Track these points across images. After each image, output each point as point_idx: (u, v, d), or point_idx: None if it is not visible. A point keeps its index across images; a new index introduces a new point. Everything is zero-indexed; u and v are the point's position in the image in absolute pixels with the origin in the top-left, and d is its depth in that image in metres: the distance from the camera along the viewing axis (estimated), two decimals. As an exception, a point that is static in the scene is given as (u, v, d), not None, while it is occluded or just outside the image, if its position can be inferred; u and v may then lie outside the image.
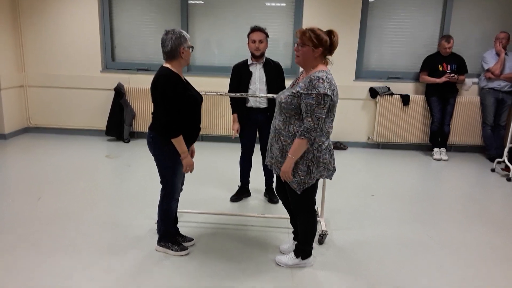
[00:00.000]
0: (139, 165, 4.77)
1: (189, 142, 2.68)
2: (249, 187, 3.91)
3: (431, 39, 5.68)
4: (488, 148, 5.47)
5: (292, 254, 2.71)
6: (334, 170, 2.52)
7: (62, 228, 3.15)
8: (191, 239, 2.96)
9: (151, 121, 2.65)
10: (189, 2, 5.73)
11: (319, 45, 2.33)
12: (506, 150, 4.80)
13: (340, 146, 5.80)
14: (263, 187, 3.93)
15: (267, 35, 3.46)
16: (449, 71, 5.31)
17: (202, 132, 5.90)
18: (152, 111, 2.62)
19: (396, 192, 4.17)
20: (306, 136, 2.30)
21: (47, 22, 5.78)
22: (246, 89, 3.52)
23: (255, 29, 3.42)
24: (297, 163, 2.41)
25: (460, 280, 2.62)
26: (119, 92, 5.73)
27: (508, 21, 5.56)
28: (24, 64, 5.94)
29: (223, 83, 5.65)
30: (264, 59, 3.52)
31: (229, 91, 3.58)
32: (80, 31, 5.78)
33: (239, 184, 3.89)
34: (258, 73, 3.51)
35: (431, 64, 5.42)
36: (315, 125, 2.28)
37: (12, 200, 3.66)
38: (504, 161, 4.81)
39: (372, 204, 3.82)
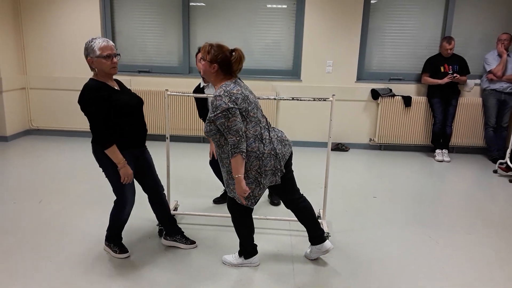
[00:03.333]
0: (141, 167, 4.76)
1: (134, 146, 2.63)
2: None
3: (433, 41, 5.68)
4: (490, 150, 5.45)
5: (236, 254, 2.75)
6: (282, 172, 2.47)
7: (63, 231, 3.14)
8: (193, 242, 2.96)
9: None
10: (191, 4, 5.73)
11: (214, 61, 2.34)
12: (508, 151, 4.79)
13: (341, 147, 5.79)
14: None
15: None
16: (451, 72, 5.30)
17: (202, 134, 5.90)
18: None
19: (398, 193, 4.15)
20: (237, 152, 2.28)
21: (49, 24, 5.79)
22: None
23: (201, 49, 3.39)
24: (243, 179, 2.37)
25: (462, 282, 2.61)
26: (121, 94, 5.72)
27: (510, 22, 5.55)
28: (26, 66, 5.95)
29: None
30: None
31: (200, 116, 3.54)
32: (81, 34, 5.79)
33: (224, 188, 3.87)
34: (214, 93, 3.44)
35: (432, 66, 5.41)
36: (239, 138, 2.28)
37: (14, 202, 3.66)
38: (506, 162, 4.79)
39: (374, 206, 3.81)
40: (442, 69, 5.34)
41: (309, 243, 2.80)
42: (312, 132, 5.88)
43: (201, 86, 3.49)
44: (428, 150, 5.80)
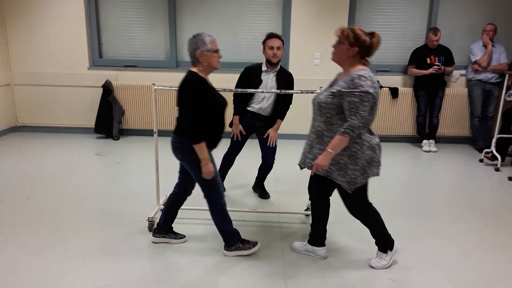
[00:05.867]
0: (129, 162, 4.74)
1: (212, 146, 2.63)
2: (246, 183, 3.90)
3: (419, 32, 5.71)
4: (476, 139, 5.53)
5: (380, 253, 2.68)
6: (381, 165, 2.54)
7: (51, 228, 3.12)
8: (183, 236, 2.96)
9: (175, 125, 2.59)
10: (177, -3, 5.69)
11: (355, 44, 2.32)
12: (494, 140, 4.86)
13: (330, 139, 5.82)
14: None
15: (283, 42, 3.37)
16: (437, 63, 5.34)
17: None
18: (177, 115, 2.56)
19: (386, 184, 4.20)
20: (350, 134, 2.28)
21: (33, 19, 5.69)
22: (253, 95, 3.46)
23: (272, 35, 3.32)
24: (347, 163, 2.38)
25: (450, 270, 2.66)
26: (107, 89, 5.67)
27: (495, 13, 5.61)
28: (10, 62, 5.84)
29: (215, 79, 5.62)
30: (279, 67, 3.44)
31: (234, 93, 3.52)
32: (66, 28, 5.70)
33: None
34: (269, 81, 3.42)
35: (419, 57, 5.45)
36: (360, 123, 2.27)
37: (1, 200, 3.61)
38: (491, 152, 4.87)
39: (363, 197, 3.84)
40: (428, 61, 5.38)
41: (304, 240, 2.84)
42: (300, 125, 5.89)
43: (263, 69, 3.43)
44: (415, 140, 5.86)
